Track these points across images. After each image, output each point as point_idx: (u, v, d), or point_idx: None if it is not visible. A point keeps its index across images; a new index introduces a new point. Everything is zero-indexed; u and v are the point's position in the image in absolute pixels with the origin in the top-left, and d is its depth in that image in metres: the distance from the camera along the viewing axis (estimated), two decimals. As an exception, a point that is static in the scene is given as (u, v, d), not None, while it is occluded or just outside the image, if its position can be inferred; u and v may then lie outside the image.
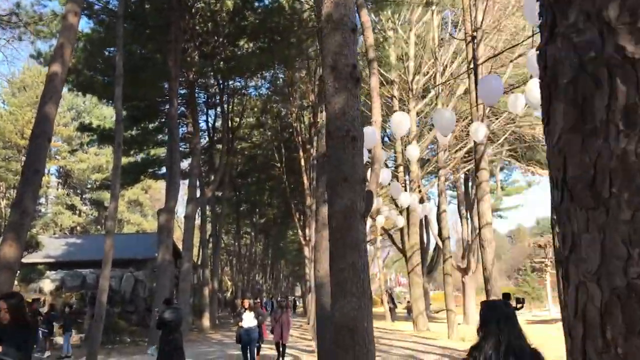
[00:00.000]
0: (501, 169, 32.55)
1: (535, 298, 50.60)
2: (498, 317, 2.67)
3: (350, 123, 5.68)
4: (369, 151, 10.83)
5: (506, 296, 2.87)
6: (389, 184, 14.45)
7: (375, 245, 38.93)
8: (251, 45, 25.33)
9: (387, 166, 24.38)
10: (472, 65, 14.74)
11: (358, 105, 5.83)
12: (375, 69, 10.42)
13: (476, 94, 14.12)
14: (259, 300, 15.56)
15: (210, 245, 33.00)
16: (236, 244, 49.86)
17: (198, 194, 26.25)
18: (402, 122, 9.26)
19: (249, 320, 12.30)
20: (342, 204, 5.55)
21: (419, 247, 24.84)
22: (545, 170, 23.16)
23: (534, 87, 8.71)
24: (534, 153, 23.27)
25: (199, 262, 31.43)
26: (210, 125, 33.26)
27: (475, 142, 14.83)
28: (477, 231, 29.01)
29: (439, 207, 22.52)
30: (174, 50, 19.05)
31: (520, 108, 10.45)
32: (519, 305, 2.85)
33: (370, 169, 11.08)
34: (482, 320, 2.77)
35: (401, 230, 27.64)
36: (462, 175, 32.37)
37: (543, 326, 26.55)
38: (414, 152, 13.02)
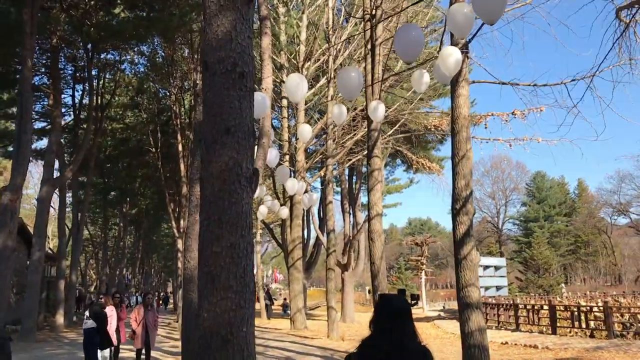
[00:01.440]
0: (385, 165, 32.43)
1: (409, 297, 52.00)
2: (394, 312, 2.55)
3: (238, 55, 4.17)
4: (257, 121, 9.37)
5: (401, 292, 2.78)
6: (275, 168, 13.01)
7: (255, 239, 37.48)
8: (128, 13, 22.77)
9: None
10: (369, 46, 13.73)
11: (250, 32, 4.31)
12: (267, 28, 8.94)
13: (372, 75, 13.14)
14: (118, 295, 13.03)
15: (71, 234, 29.63)
16: (103, 235, 45.87)
17: (57, 176, 23.14)
18: (300, 85, 7.86)
19: (89, 320, 10.21)
20: (220, 164, 4.05)
21: (301, 241, 23.68)
22: (434, 163, 23.05)
23: (446, 58, 7.76)
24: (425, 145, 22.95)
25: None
26: (77, 101, 29.77)
27: (369, 128, 13.84)
28: (359, 227, 28.62)
29: (325, 198, 21.48)
30: (31, 1, 16.21)
31: (424, 86, 9.50)
32: (413, 302, 2.77)
33: (256, 144, 9.60)
34: (378, 314, 2.62)
35: (282, 224, 26.47)
36: (347, 170, 31.83)
37: (418, 324, 26.50)
38: (305, 131, 11.71)
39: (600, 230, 73.54)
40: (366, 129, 14.98)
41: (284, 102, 23.56)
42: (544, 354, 13.41)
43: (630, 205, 71.85)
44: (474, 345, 8.72)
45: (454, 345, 16.40)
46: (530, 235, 66.30)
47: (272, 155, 11.27)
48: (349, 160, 24.62)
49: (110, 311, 11.10)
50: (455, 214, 9.22)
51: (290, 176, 17.14)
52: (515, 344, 15.00)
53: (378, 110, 10.47)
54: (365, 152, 15.76)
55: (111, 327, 10.83)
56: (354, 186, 30.94)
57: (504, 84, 9.77)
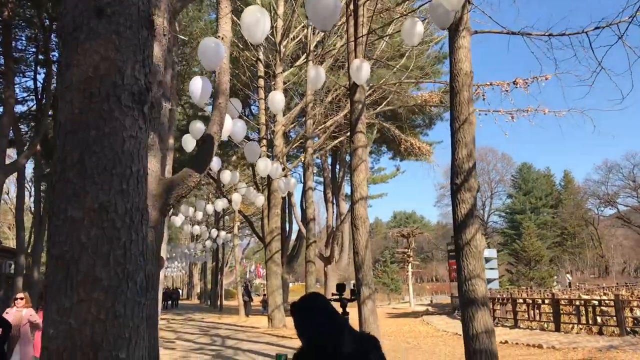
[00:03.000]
0: (370, 153, 30.74)
1: (394, 290, 50.44)
2: (316, 308, 2.38)
3: None
4: (214, 73, 7.64)
5: (341, 287, 2.89)
6: (242, 144, 11.27)
7: (233, 232, 35.66)
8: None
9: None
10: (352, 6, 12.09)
11: None
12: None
13: (355, 32, 11.50)
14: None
15: (32, 227, 27.57)
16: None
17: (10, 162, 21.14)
18: (261, 21, 6.17)
19: None
20: (84, 68, 2.34)
21: (279, 232, 21.93)
22: (423, 144, 21.38)
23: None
24: (412, 130, 21.21)
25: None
26: (40, 85, 27.62)
27: (351, 100, 12.17)
28: (343, 217, 26.95)
29: (304, 185, 19.77)
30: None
31: (417, 38, 7.80)
32: (353, 297, 2.83)
33: (212, 104, 7.89)
34: (302, 319, 2.39)
35: (262, 216, 24.82)
36: (330, 159, 30.13)
37: (406, 320, 24.97)
38: (277, 99, 9.95)
39: (587, 222, 72.67)
40: (349, 112, 13.37)
41: (261, 82, 21.76)
42: (551, 355, 11.85)
43: (618, 196, 71.15)
44: (480, 351, 7.11)
45: (448, 345, 14.82)
46: (516, 227, 65.18)
47: (238, 127, 9.51)
48: (333, 141, 22.80)
49: (24, 315, 8.51)
50: (455, 190, 7.58)
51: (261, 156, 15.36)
52: (517, 343, 13.44)
53: (362, 70, 8.78)
54: (349, 133, 14.09)
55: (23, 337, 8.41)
56: (337, 175, 29.24)
57: (513, 33, 8.12)
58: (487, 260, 31.52)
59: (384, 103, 20.07)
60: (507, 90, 12.10)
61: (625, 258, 65.57)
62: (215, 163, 13.29)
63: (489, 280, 30.64)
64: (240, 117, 10.40)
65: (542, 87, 11.71)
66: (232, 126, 9.05)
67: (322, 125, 20.44)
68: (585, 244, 71.69)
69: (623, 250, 67.12)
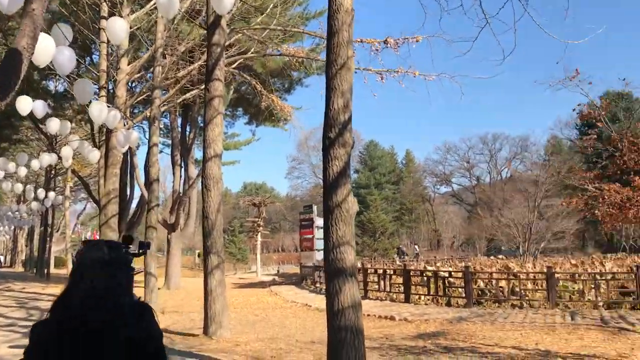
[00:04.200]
0: (224, 117, 28.93)
1: (240, 260, 49.55)
2: (96, 260, 1.93)
3: None
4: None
5: (127, 239, 2.07)
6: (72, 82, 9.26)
7: (65, 194, 32.08)
8: None
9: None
10: None
11: None
12: None
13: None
14: None
15: None
16: None
17: None
18: None
19: None
20: None
21: (117, 194, 19.58)
22: (285, 104, 20.25)
23: None
24: (270, 92, 19.90)
25: None
26: None
27: (209, 42, 10.65)
28: (191, 182, 25.18)
29: (149, 141, 17.69)
30: None
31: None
32: (140, 251, 2.18)
33: (23, 10, 6.00)
34: (77, 263, 1.97)
35: (98, 176, 22.15)
36: (180, 120, 27.95)
37: (253, 290, 24.09)
38: (118, 26, 8.16)
39: (424, 199, 77.70)
40: (205, 60, 11.83)
41: (104, 24, 19.03)
42: (404, 327, 11.55)
43: (453, 176, 76.88)
44: (346, 327, 6.20)
45: (298, 317, 14.11)
46: (361, 202, 67.49)
47: (65, 56, 7.61)
48: (184, 95, 20.77)
49: None
50: (328, 145, 6.54)
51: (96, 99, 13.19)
52: (368, 315, 13.03)
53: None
54: (204, 82, 12.52)
55: None
56: (187, 136, 27.19)
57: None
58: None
59: (249, 53, 18.54)
60: (377, 50, 11.38)
61: (455, 233, 71.06)
62: (40, 107, 11.07)
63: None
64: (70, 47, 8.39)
65: (413, 48, 11.17)
66: (56, 53, 7.21)
67: (173, 77, 18.44)
68: (420, 219, 76.61)
69: (453, 225, 72.61)
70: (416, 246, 49.67)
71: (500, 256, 35.90)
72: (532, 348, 8.97)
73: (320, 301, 16.91)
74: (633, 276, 12.76)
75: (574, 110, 7.03)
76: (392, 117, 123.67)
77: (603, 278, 13.84)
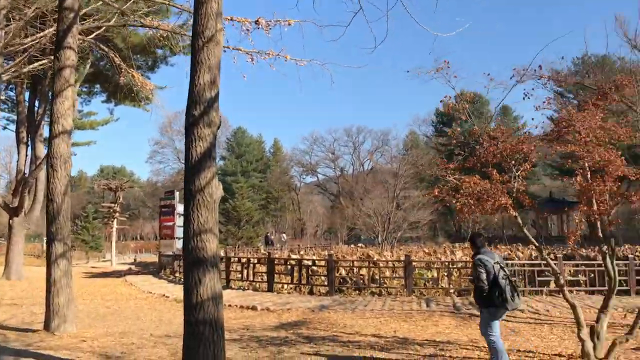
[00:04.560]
0: (79, 94, 26.69)
1: (94, 248, 46.36)
2: None
3: None
4: None
5: None
6: None
7: None
8: None
9: None
10: None
11: None
12: None
13: None
14: None
15: None
16: None
17: None
18: None
19: None
20: None
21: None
22: (147, 81, 18.94)
23: None
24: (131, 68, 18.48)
25: None
26: None
27: (61, 6, 9.49)
28: (39, 162, 22.89)
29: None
30: None
31: None
32: None
33: None
34: None
35: None
36: (28, 94, 25.29)
37: (107, 280, 22.57)
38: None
39: (290, 188, 78.45)
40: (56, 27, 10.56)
41: None
42: (266, 318, 11.29)
43: (318, 166, 78.41)
44: (204, 321, 5.76)
45: (155, 309, 13.31)
46: (227, 189, 66.42)
47: None
48: (31, 65, 18.70)
49: None
50: (192, 123, 6.02)
51: None
52: (230, 305, 12.61)
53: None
54: (54, 50, 11.20)
55: None
56: (35, 112, 24.68)
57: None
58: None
59: (106, 25, 17.05)
60: (248, 30, 10.91)
61: (319, 222, 72.61)
62: None
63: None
64: None
65: (285, 32, 10.84)
66: None
67: (20, 44, 16.51)
68: (286, 208, 77.27)
69: (317, 214, 74.18)
70: (283, 235, 49.89)
71: (360, 244, 37.21)
72: (390, 335, 9.13)
73: (179, 291, 16.14)
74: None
75: (441, 101, 7.13)
76: (261, 105, 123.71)
77: (455, 266, 14.68)
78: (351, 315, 11.21)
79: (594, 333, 6.98)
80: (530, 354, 7.55)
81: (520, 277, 13.97)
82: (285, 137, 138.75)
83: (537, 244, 7.19)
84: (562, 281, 7.10)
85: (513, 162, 7.12)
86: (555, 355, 7.46)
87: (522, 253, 24.90)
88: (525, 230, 7.15)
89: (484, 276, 6.22)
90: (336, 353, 7.80)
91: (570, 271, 14.18)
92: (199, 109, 6.05)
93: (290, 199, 77.81)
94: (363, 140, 75.75)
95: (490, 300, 6.20)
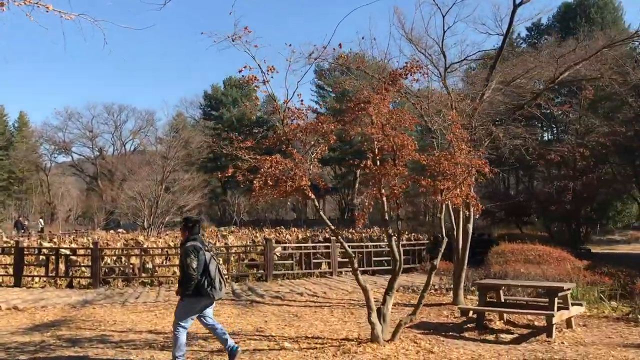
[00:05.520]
0: None
1: None
2: None
3: None
4: None
5: None
6: None
7: None
8: None
9: None
10: None
11: None
12: None
13: None
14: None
15: None
16: None
17: None
18: None
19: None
20: None
21: None
22: None
23: None
24: None
25: None
26: None
27: None
28: None
29: None
30: None
31: None
32: None
33: None
34: None
35: None
36: None
37: None
38: None
39: (39, 168, 70.29)
40: None
41: None
42: (13, 319, 9.32)
43: (74, 144, 71.49)
44: None
45: None
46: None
47: None
48: None
49: None
50: None
51: None
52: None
53: None
54: None
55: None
56: None
57: None
58: None
59: None
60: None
61: (72, 205, 66.28)
62: None
63: None
64: None
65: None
66: None
67: None
68: (33, 190, 68.98)
69: (70, 198, 67.61)
70: (41, 220, 44.22)
71: (120, 230, 34.69)
72: (169, 330, 8.22)
73: None
74: (261, 249, 13.46)
75: (240, 71, 6.45)
76: (4, 73, 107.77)
77: (232, 252, 14.23)
78: (121, 310, 9.95)
79: (380, 315, 7.09)
80: (319, 340, 7.41)
81: (297, 259, 14.15)
82: (34, 110, 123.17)
83: (332, 227, 7.04)
84: (356, 265, 7.06)
85: (312, 142, 6.84)
86: (344, 339, 7.42)
87: (290, 235, 25.83)
88: (322, 214, 6.93)
89: (195, 264, 5.87)
90: (109, 358, 6.68)
91: (339, 253, 14.78)
92: None
93: (39, 180, 69.58)
94: (126, 119, 71.08)
95: (196, 289, 5.91)
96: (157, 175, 28.91)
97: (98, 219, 52.47)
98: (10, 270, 13.28)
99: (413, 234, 21.54)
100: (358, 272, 7.03)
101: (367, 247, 15.48)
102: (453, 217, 9.99)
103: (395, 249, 7.23)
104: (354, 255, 7.30)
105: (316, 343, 7.26)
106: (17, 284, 12.79)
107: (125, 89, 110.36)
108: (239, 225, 46.09)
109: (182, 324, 6.05)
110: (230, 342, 6.19)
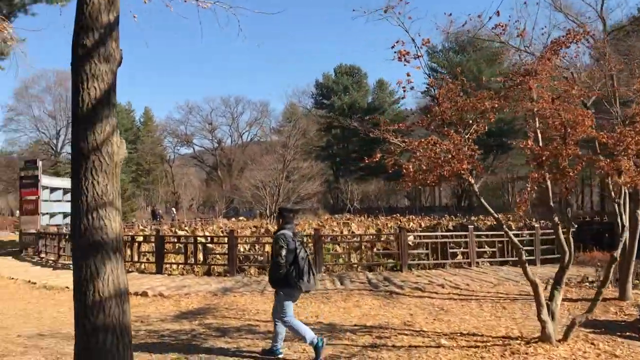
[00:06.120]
0: None
1: None
2: None
3: None
4: None
5: None
6: None
7: None
8: None
9: None
10: None
11: None
12: None
13: None
14: None
15: None
16: None
17: None
18: None
19: None
20: None
21: None
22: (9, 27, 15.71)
23: None
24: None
25: None
26: None
27: None
28: None
29: None
30: None
31: None
32: None
33: None
34: None
35: None
36: None
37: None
38: None
39: (163, 159, 74.59)
40: None
41: None
42: (161, 306, 9.63)
43: (194, 137, 75.14)
44: (106, 328, 4.23)
45: (19, 299, 11.08)
46: (93, 161, 61.33)
47: None
48: None
49: None
50: (82, 56, 4.33)
51: None
52: (115, 292, 10.74)
53: None
54: None
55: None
56: None
57: None
58: (66, 191, 27.43)
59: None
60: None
61: (194, 195, 69.75)
62: None
63: (66, 215, 26.68)
64: None
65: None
66: None
67: None
68: (159, 181, 73.39)
69: (192, 187, 71.18)
70: (174, 209, 47.01)
71: (241, 217, 35.76)
72: (314, 322, 8.00)
73: (49, 276, 13.83)
74: (394, 238, 12.98)
75: (392, 47, 5.94)
76: (131, 71, 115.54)
77: (364, 240, 13.87)
78: (261, 299, 9.91)
79: (549, 312, 6.35)
80: (477, 338, 6.79)
81: (432, 249, 13.52)
82: (157, 105, 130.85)
83: (496, 216, 6.37)
84: (523, 257, 6.35)
85: (470, 120, 6.19)
86: (505, 337, 6.75)
87: (413, 223, 25.08)
88: (482, 200, 6.26)
89: (284, 252, 5.77)
90: (261, 348, 6.50)
91: (477, 243, 13.96)
92: (92, 37, 4.36)
93: (164, 171, 73.96)
94: (242, 111, 73.61)
95: (285, 279, 5.84)
96: (278, 164, 29.35)
97: (219, 207, 54.73)
98: (151, 258, 13.86)
99: (542, 221, 20.10)
100: (526, 264, 6.31)
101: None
102: (618, 202, 8.87)
103: (563, 240, 6.43)
104: (521, 246, 6.56)
105: (475, 341, 6.65)
106: (159, 271, 13.34)
107: (240, 80, 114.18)
108: (352, 212, 45.91)
109: (286, 319, 5.98)
110: (279, 344, 6.20)
